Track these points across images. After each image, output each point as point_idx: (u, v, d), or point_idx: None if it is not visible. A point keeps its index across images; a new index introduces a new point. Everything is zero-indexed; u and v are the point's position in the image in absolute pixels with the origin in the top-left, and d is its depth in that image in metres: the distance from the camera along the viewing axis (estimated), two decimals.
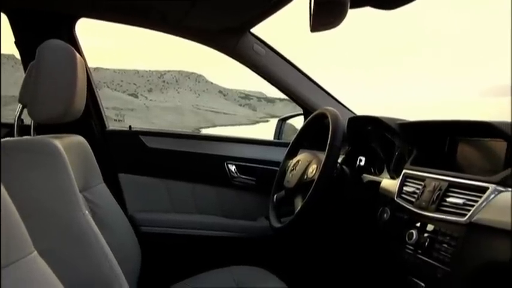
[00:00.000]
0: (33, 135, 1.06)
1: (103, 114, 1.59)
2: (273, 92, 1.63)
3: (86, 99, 1.07)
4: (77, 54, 0.97)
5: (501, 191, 0.78)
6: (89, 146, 1.12)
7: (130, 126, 1.63)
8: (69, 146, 0.98)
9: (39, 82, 0.91)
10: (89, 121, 1.53)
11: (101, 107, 1.58)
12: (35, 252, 0.58)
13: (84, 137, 1.13)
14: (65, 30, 1.46)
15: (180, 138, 1.65)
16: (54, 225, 0.83)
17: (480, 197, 0.80)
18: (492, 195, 0.78)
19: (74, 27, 1.49)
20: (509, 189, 0.77)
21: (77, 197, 0.88)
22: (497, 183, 0.78)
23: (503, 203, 0.76)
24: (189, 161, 1.62)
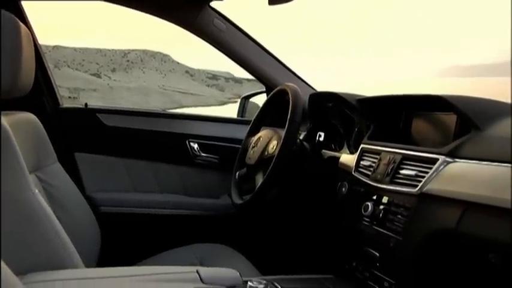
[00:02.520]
0: None
1: (56, 91, 1.51)
2: (240, 72, 1.61)
3: (37, 76, 1.01)
4: (22, 25, 0.91)
5: (449, 162, 0.80)
6: (40, 123, 1.07)
7: (86, 104, 1.57)
8: (17, 123, 0.93)
9: None
10: (40, 98, 1.46)
11: (53, 83, 1.51)
12: None
13: (36, 115, 1.07)
14: (11, 2, 1.37)
15: (140, 116, 1.61)
16: (3, 205, 0.79)
17: (431, 168, 0.83)
18: (441, 166, 0.81)
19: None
20: (457, 159, 0.80)
21: (25, 177, 0.83)
22: (446, 155, 0.81)
23: (451, 173, 0.79)
24: (149, 139, 1.58)
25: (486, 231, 0.71)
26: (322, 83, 1.62)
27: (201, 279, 0.76)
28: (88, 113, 1.55)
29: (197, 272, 0.78)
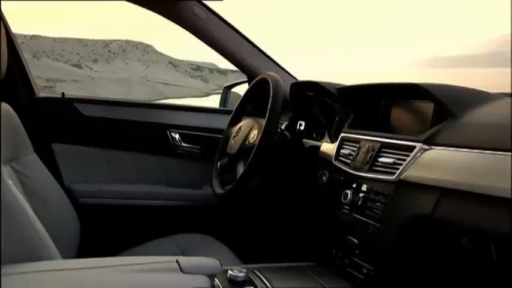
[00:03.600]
0: None
1: (31, 81, 1.47)
2: (225, 63, 1.59)
3: (10, 65, 0.98)
4: None
5: (426, 149, 0.82)
6: (14, 113, 1.04)
7: (63, 94, 1.53)
8: None
9: None
10: (15, 88, 1.42)
11: (28, 72, 1.47)
12: None
13: (10, 105, 1.04)
14: None
15: (119, 106, 1.58)
16: None
17: (408, 155, 0.84)
18: (418, 154, 0.82)
19: None
20: (434, 147, 0.81)
21: None
22: (423, 142, 0.82)
23: (428, 160, 0.81)
24: (129, 129, 1.56)
25: (460, 216, 0.72)
26: (303, 73, 1.62)
27: (180, 268, 0.76)
28: (65, 103, 1.52)
29: (177, 261, 0.78)
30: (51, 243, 0.83)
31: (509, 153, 0.66)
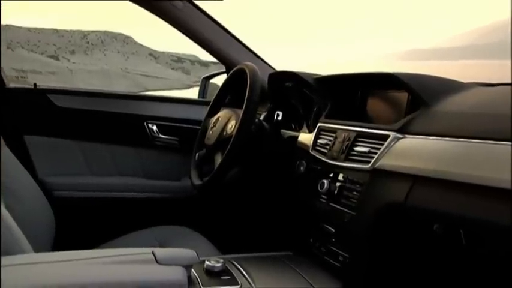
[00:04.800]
0: None
1: (1, 71, 1.43)
2: (206, 55, 1.58)
3: None
4: None
5: (400, 138, 0.83)
6: None
7: (35, 84, 1.49)
8: None
9: None
10: None
11: None
12: None
13: None
14: None
15: (93, 96, 1.55)
16: None
17: (382, 144, 0.85)
18: (392, 142, 0.83)
19: None
20: (407, 135, 0.82)
21: None
22: (397, 131, 0.83)
23: (402, 148, 0.82)
24: (105, 121, 1.53)
25: (432, 203, 0.74)
26: (282, 65, 1.62)
27: (156, 260, 0.75)
28: (38, 94, 1.47)
29: (153, 253, 0.77)
30: (24, 238, 0.81)
31: (480, 141, 0.67)
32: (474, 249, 0.72)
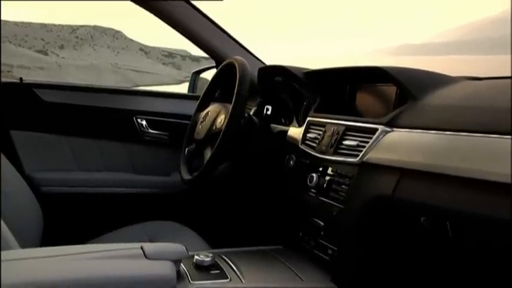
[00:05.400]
0: None
1: None
2: (198, 50, 1.57)
3: None
4: None
5: (388, 131, 0.83)
6: None
7: (21, 79, 1.47)
8: None
9: None
10: None
11: None
12: None
13: None
14: None
15: (81, 91, 1.53)
16: None
17: (371, 138, 0.85)
18: (380, 136, 0.84)
19: None
20: (395, 129, 0.82)
21: None
22: (385, 124, 0.84)
23: (390, 142, 0.82)
24: (93, 116, 1.51)
25: (419, 196, 0.74)
26: (272, 60, 1.61)
27: (145, 254, 0.75)
28: (24, 88, 1.45)
29: (141, 248, 0.77)
30: (10, 234, 0.80)
31: (468, 134, 0.68)
32: (460, 241, 0.73)
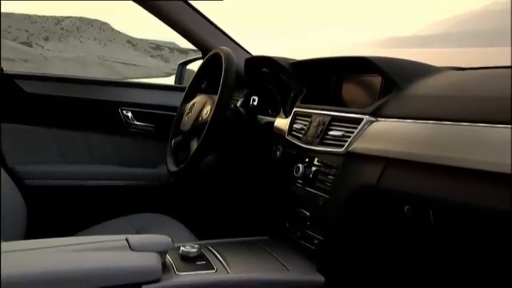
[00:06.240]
0: None
1: None
2: (186, 42, 1.55)
3: None
4: None
5: (373, 121, 0.83)
6: None
7: (1, 69, 1.43)
8: None
9: None
10: None
11: None
12: None
13: None
14: None
15: (64, 82, 1.50)
16: None
17: (356, 128, 0.86)
18: (365, 126, 0.84)
19: None
20: (380, 119, 0.83)
21: None
22: (370, 114, 0.84)
23: (374, 132, 0.82)
24: (77, 107, 1.49)
25: (403, 185, 0.75)
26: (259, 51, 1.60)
27: (129, 246, 0.74)
28: (5, 79, 1.42)
29: (126, 239, 0.76)
30: None
31: (451, 123, 0.69)
32: (442, 229, 0.74)
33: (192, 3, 1.48)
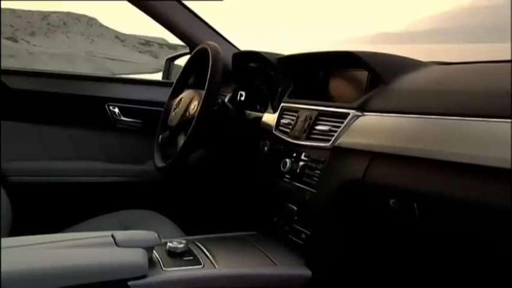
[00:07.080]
0: None
1: None
2: (175, 38, 1.53)
3: None
4: None
5: (359, 116, 0.84)
6: None
7: None
8: None
9: None
10: None
11: None
12: None
13: None
14: None
15: (49, 77, 1.48)
16: None
17: (342, 122, 0.86)
18: (352, 120, 0.84)
19: None
20: (366, 113, 0.83)
21: None
22: (356, 109, 0.84)
23: (360, 126, 0.83)
24: (63, 103, 1.47)
25: (389, 179, 0.75)
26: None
27: (115, 242, 0.74)
28: None
29: (112, 236, 0.76)
30: None
31: (436, 117, 0.69)
32: (426, 222, 0.75)
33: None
